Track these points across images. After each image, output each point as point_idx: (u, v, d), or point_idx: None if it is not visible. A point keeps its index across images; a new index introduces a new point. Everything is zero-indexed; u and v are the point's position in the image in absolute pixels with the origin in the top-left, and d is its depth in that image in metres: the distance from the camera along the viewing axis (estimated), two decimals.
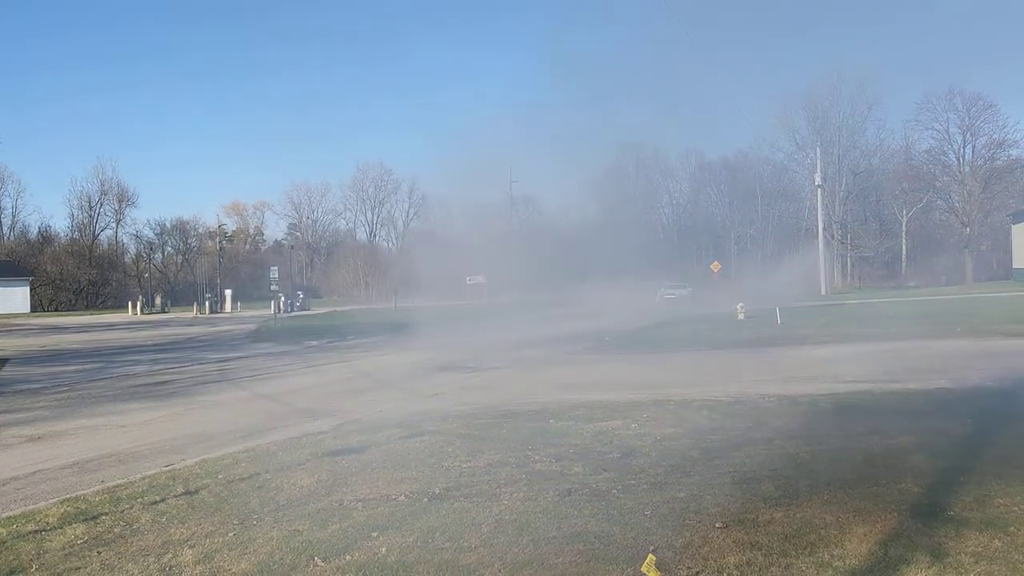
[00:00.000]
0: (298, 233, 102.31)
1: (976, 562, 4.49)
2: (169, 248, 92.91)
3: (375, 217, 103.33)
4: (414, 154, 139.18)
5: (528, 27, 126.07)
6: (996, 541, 4.79)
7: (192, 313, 56.80)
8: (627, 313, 35.25)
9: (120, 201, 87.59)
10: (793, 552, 4.75)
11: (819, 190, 56.63)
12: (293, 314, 52.20)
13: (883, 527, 5.12)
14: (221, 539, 5.51)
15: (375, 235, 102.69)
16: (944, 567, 4.45)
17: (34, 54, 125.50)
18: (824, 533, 5.05)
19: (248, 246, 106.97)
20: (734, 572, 4.50)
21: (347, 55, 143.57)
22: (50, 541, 5.64)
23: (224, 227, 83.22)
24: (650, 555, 4.22)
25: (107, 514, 6.24)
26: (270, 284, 45.06)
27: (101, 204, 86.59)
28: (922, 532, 5.01)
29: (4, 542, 5.67)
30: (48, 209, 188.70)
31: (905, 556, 4.62)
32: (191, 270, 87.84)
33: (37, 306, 69.92)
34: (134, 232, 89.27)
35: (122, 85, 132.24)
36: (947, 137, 69.22)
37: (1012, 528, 5.00)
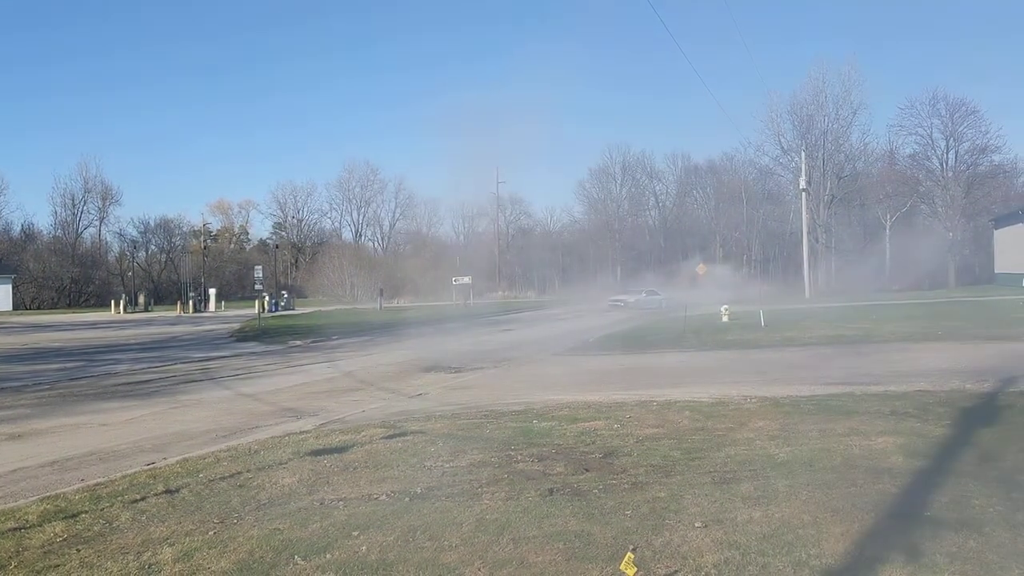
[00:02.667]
0: (283, 232, 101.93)
1: (951, 562, 4.54)
2: (153, 247, 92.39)
3: (361, 217, 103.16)
4: (401, 153, 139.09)
5: (520, 27, 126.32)
6: (971, 541, 4.84)
7: (176, 312, 56.53)
8: (613, 315, 35.36)
9: (104, 199, 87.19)
10: (771, 551, 4.79)
11: (804, 194, 56.98)
12: (277, 314, 52.05)
13: (860, 527, 5.17)
14: (201, 538, 5.49)
15: (361, 235, 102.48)
16: (919, 567, 4.49)
17: (18, 50, 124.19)
18: (802, 533, 5.09)
19: (233, 245, 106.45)
20: (712, 571, 4.54)
21: (334, 55, 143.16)
22: (29, 539, 5.60)
23: (209, 226, 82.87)
24: (629, 553, 4.25)
25: (87, 512, 6.20)
26: (255, 283, 44.74)
27: (85, 202, 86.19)
28: (898, 532, 5.07)
29: None
30: (31, 207, 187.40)
31: (881, 556, 4.67)
32: (175, 269, 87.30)
33: (19, 304, 69.32)
34: (118, 230, 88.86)
35: (107, 82, 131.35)
36: (931, 142, 70.19)
37: (987, 529, 5.05)
